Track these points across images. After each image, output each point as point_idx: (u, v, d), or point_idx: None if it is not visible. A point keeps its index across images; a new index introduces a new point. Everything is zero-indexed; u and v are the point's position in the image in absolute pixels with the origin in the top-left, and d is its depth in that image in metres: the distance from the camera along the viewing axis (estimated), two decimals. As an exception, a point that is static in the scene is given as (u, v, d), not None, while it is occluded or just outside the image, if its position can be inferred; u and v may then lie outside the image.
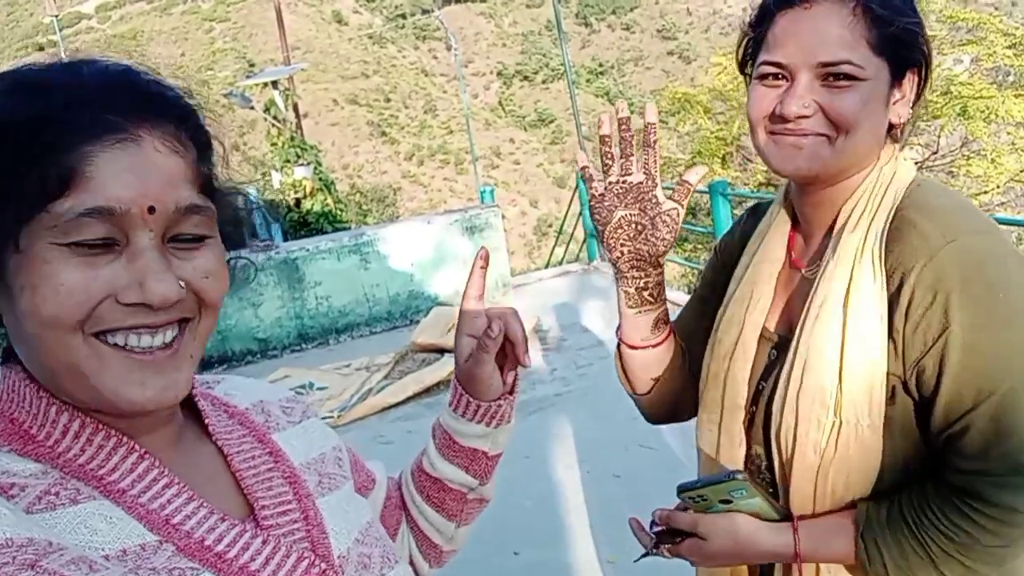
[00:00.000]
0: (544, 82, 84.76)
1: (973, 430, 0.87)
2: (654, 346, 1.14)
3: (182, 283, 0.59)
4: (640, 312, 1.10)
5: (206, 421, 0.71)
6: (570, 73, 9.18)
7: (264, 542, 0.64)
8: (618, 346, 1.18)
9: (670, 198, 1.03)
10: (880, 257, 0.92)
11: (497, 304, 6.03)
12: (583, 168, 1.08)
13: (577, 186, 8.42)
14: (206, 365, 6.27)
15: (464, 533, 0.99)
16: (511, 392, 0.90)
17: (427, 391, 5.13)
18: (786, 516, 0.99)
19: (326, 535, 0.70)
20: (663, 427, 4.16)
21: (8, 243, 0.55)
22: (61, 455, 0.59)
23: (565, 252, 9.43)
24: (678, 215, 1.02)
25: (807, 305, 0.97)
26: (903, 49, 0.94)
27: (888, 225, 0.94)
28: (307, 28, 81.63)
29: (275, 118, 11.63)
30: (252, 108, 12.15)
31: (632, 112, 1.04)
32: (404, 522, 0.97)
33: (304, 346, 6.63)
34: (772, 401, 0.99)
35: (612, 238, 1.05)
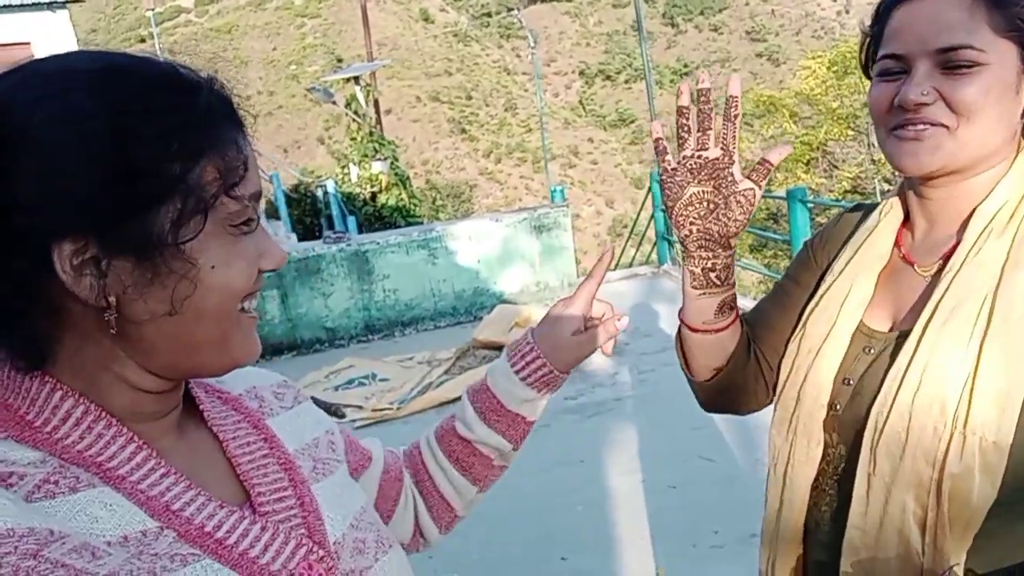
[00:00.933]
0: (627, 82, 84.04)
1: None
2: (717, 331, 1.08)
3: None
4: (705, 294, 1.05)
5: (201, 408, 0.72)
6: (650, 73, 9.03)
7: (263, 528, 0.65)
8: (679, 329, 1.13)
9: (748, 177, 0.98)
10: None
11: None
12: (656, 140, 1.03)
13: (650, 187, 8.27)
14: (276, 351, 6.44)
15: (479, 500, 1.02)
16: (566, 371, 0.97)
17: (486, 388, 5.13)
18: None
19: (321, 521, 0.70)
20: (725, 438, 4.05)
21: (188, 226, 0.60)
22: (59, 442, 0.59)
23: (635, 253, 9.29)
24: (754, 196, 0.97)
25: (932, 305, 0.90)
26: None
27: None
28: (394, 25, 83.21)
29: (356, 113, 11.87)
30: (334, 103, 12.43)
31: (717, 113, 1.01)
32: (406, 493, 0.97)
33: (370, 337, 6.73)
34: (873, 402, 0.92)
35: (682, 215, 1.01)
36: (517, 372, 0.95)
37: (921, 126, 0.90)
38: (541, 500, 3.57)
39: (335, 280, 6.68)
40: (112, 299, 0.58)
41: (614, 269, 9.13)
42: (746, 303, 4.75)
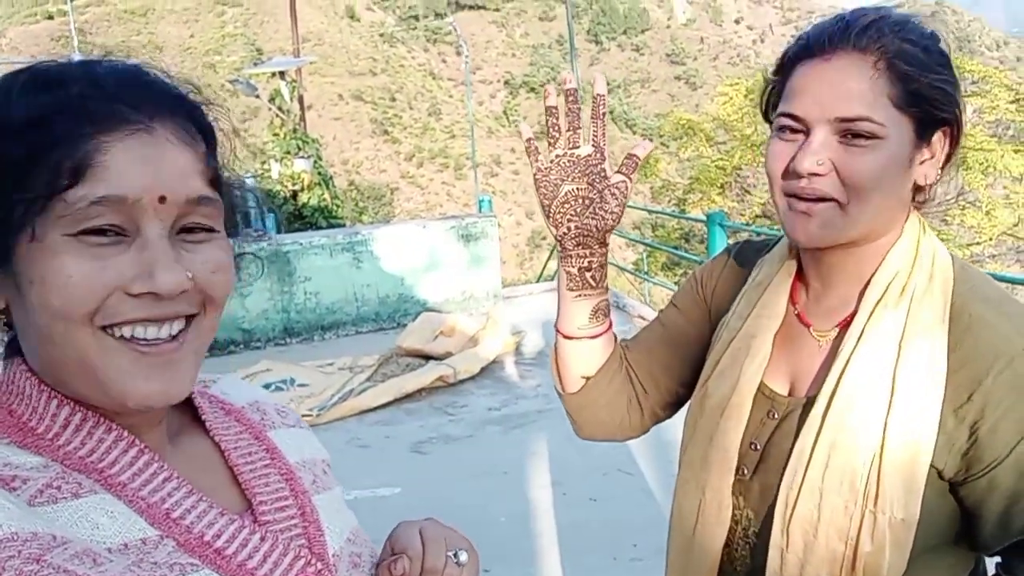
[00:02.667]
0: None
1: None
2: (591, 337, 1.09)
3: (190, 274, 0.59)
4: (580, 297, 1.06)
5: (203, 417, 0.71)
6: (579, 88, 9.17)
7: (262, 539, 0.64)
8: (555, 341, 1.12)
9: (617, 171, 1.00)
10: (944, 349, 0.87)
11: (487, 311, 5.92)
12: (527, 141, 1.04)
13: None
14: (188, 351, 6.21)
15: None
16: None
17: (408, 397, 5.09)
18: None
19: (322, 532, 0.70)
20: (645, 452, 4.16)
21: (20, 234, 0.56)
22: (61, 448, 0.59)
23: (558, 266, 9.41)
24: (626, 187, 0.99)
25: (835, 376, 0.91)
26: (930, 106, 0.88)
27: (948, 315, 0.89)
28: (319, 20, 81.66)
29: (279, 108, 11.59)
30: (257, 96, 12.11)
31: (636, 133, 1.02)
32: None
33: (288, 340, 6.57)
34: (783, 473, 0.93)
35: (559, 213, 1.02)
36: None
37: (813, 200, 0.89)
38: (464, 512, 3.57)
39: (253, 280, 6.49)
40: (1, 303, 0.58)
41: (537, 282, 9.22)
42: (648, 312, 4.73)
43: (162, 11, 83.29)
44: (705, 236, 6.02)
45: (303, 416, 4.80)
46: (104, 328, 0.57)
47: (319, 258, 6.62)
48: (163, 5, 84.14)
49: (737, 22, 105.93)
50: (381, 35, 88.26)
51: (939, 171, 0.93)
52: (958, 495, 0.89)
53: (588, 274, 1.05)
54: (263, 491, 0.69)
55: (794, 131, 0.90)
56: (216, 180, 0.64)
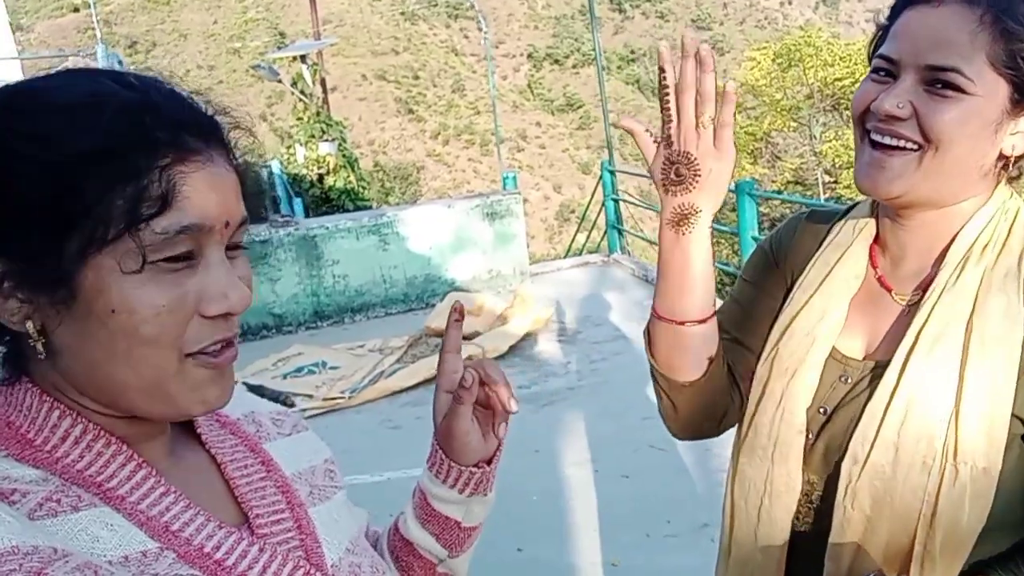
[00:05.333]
0: (574, 67, 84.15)
1: None
2: (711, 318, 0.99)
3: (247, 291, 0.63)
4: (708, 267, 0.95)
5: (199, 430, 0.71)
6: (600, 59, 9.04)
7: (260, 550, 0.65)
8: (651, 335, 1.01)
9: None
10: (1019, 294, 0.87)
11: (514, 289, 5.95)
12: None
13: (601, 175, 8.32)
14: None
15: None
16: (489, 461, 0.85)
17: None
18: None
19: (319, 544, 0.70)
20: (675, 428, 4.11)
21: (84, 262, 0.56)
22: (60, 460, 0.60)
23: (586, 241, 9.34)
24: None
25: (913, 334, 0.90)
26: None
27: (1022, 258, 0.89)
28: (339, 2, 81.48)
29: (302, 92, 11.61)
30: (280, 81, 12.14)
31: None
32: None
33: (319, 324, 6.63)
34: (852, 434, 0.92)
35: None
36: (431, 469, 0.85)
37: (890, 139, 0.88)
38: (497, 490, 3.59)
39: (283, 265, 6.55)
40: (37, 325, 0.58)
41: (564, 257, 9.17)
42: None
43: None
44: (735, 205, 5.91)
45: (334, 400, 4.85)
46: (188, 355, 0.60)
47: (346, 241, 6.65)
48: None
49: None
50: (402, 13, 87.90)
51: None
52: None
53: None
54: (259, 504, 0.69)
55: (887, 73, 0.90)
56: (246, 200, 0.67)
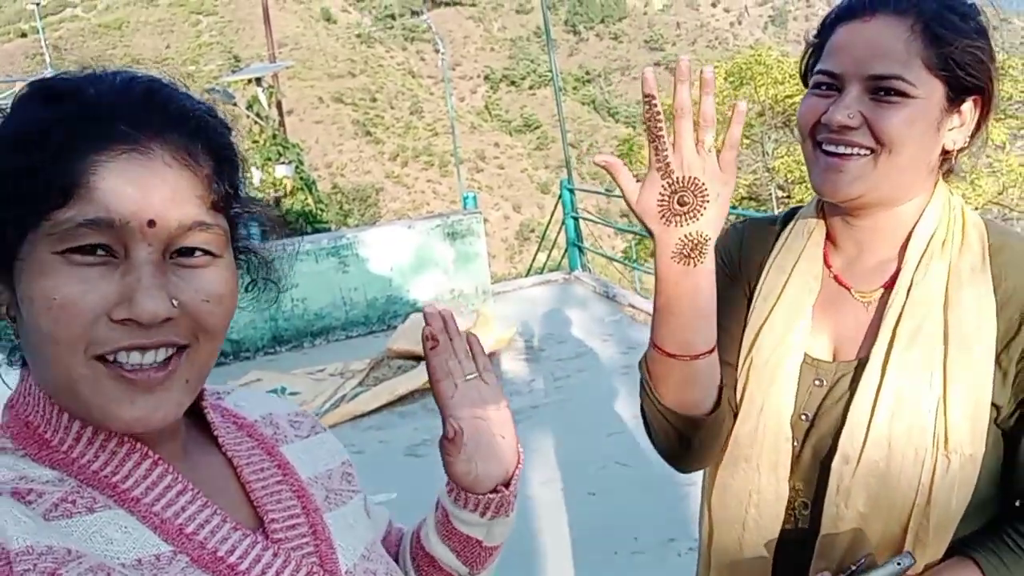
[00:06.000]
0: (531, 88, 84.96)
1: None
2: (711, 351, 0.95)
3: (175, 302, 0.57)
4: (714, 294, 0.92)
5: (215, 432, 0.71)
6: (557, 80, 9.13)
7: (275, 555, 0.64)
8: (651, 375, 0.96)
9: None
10: (990, 287, 0.91)
11: (477, 308, 5.92)
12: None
13: (560, 194, 8.37)
14: (177, 365, 6.14)
15: None
16: (508, 484, 0.83)
17: (401, 400, 5.04)
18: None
19: (334, 550, 0.70)
20: (641, 443, 4.12)
21: (18, 249, 0.56)
22: (75, 461, 0.59)
23: (547, 259, 9.38)
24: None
25: (888, 331, 0.93)
26: (962, 72, 0.90)
27: (987, 255, 0.93)
28: (295, 25, 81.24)
29: (257, 115, 11.51)
30: (235, 105, 12.03)
31: (618, 122, 0.95)
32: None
33: (278, 349, 6.51)
34: (838, 436, 0.94)
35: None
36: (450, 494, 0.83)
37: (844, 148, 0.91)
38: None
39: (239, 290, 6.43)
40: (11, 312, 0.58)
41: (526, 275, 9.18)
42: (644, 303, 4.69)
43: (136, 23, 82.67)
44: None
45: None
46: (96, 357, 0.56)
47: (304, 264, 6.56)
48: (137, 17, 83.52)
49: (714, 5, 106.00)
50: (358, 36, 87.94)
51: (967, 139, 0.95)
52: (1006, 435, 0.92)
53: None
54: (275, 508, 0.69)
55: (829, 87, 0.94)
56: (224, 203, 0.62)
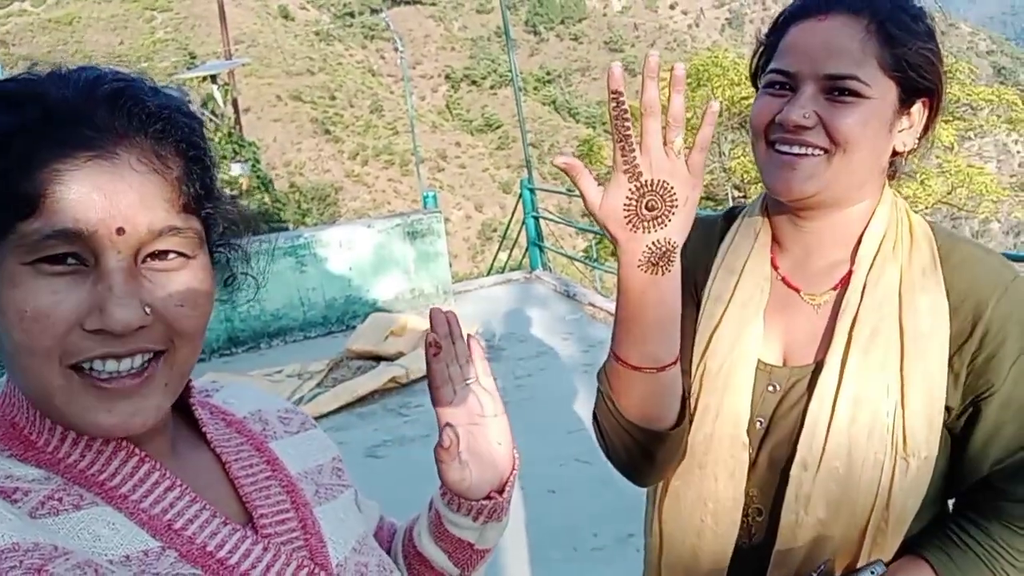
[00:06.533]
0: (492, 87, 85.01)
1: None
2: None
3: (148, 309, 0.56)
4: (678, 304, 0.88)
5: (203, 429, 0.70)
6: (517, 80, 9.13)
7: (264, 549, 0.64)
8: (611, 389, 0.94)
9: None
10: (942, 291, 0.91)
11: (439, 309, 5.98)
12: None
13: (521, 193, 8.39)
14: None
15: None
16: (501, 491, 0.82)
17: (361, 400, 5.00)
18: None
19: (324, 544, 0.70)
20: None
21: None
22: (61, 461, 0.59)
23: (508, 258, 9.38)
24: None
25: (843, 335, 0.92)
26: (914, 73, 0.90)
27: (938, 259, 0.93)
28: (251, 21, 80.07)
29: (213, 112, 11.32)
30: (189, 103, 11.85)
31: (579, 122, 0.94)
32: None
33: (234, 350, 6.40)
34: (796, 441, 0.92)
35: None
36: (444, 497, 0.83)
37: (799, 148, 0.90)
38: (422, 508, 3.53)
39: (217, 286, 6.32)
40: None
41: (487, 275, 9.17)
42: (605, 303, 4.72)
43: (88, 19, 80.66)
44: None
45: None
46: (71, 367, 0.56)
47: (260, 263, 6.46)
48: (89, 13, 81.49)
49: (672, 7, 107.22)
50: (317, 33, 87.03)
51: (916, 140, 0.96)
52: (953, 436, 0.94)
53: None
54: (264, 503, 0.69)
55: (782, 87, 0.92)
56: (196, 203, 0.61)
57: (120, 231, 0.55)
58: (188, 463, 0.67)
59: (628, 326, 0.86)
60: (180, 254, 0.59)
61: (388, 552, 0.89)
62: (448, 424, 0.79)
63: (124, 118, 0.57)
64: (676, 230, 0.80)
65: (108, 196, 0.54)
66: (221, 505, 0.66)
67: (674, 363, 0.89)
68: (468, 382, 0.82)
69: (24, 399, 0.60)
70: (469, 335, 0.85)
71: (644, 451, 0.95)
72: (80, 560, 0.52)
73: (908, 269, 0.93)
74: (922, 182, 11.78)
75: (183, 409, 0.71)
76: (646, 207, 0.78)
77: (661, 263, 0.80)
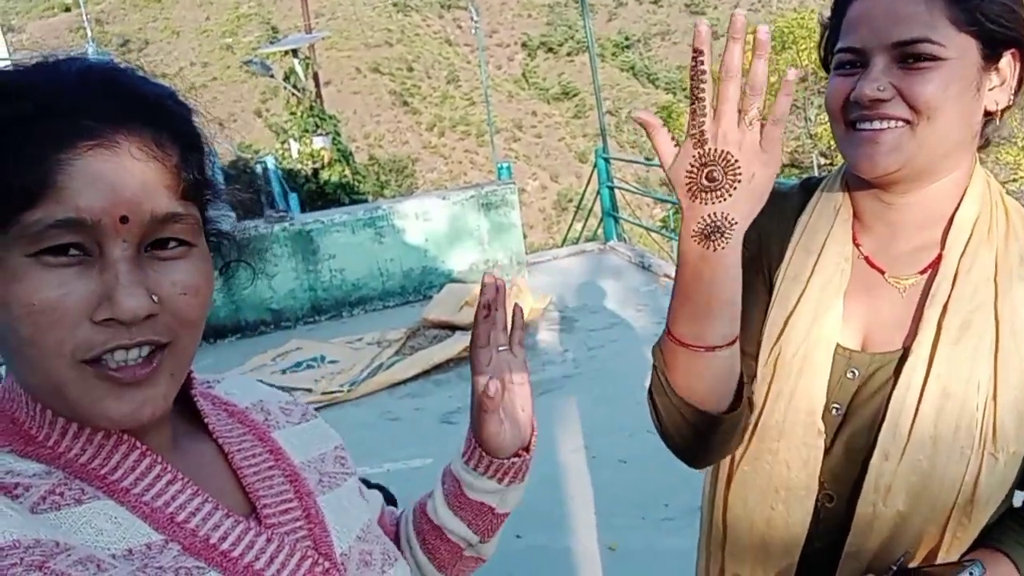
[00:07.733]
0: (569, 55, 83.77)
1: None
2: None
3: (155, 297, 0.56)
4: (737, 285, 0.85)
5: (206, 420, 0.70)
6: (593, 47, 9.01)
7: (268, 540, 0.64)
8: (664, 360, 0.91)
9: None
10: None
11: (512, 279, 5.94)
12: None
13: (596, 163, 8.32)
14: (219, 334, 6.32)
15: None
16: (527, 449, 0.86)
17: (437, 368, 5.13)
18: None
19: (327, 533, 0.70)
20: (672, 413, 4.13)
21: None
22: (62, 455, 0.59)
23: (583, 229, 9.35)
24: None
25: (933, 323, 0.87)
26: (993, 24, 0.83)
27: None
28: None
29: (295, 87, 11.60)
30: (272, 77, 12.13)
31: (658, 88, 0.92)
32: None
33: (317, 318, 6.65)
34: (878, 431, 0.88)
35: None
36: (468, 462, 0.85)
37: (879, 122, 0.85)
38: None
39: (279, 260, 6.56)
40: None
41: (562, 246, 9.18)
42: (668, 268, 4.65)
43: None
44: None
45: (332, 394, 4.88)
46: (82, 362, 0.55)
47: (341, 235, 6.66)
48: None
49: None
50: (394, 4, 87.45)
51: (1012, 96, 0.88)
52: None
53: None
54: (267, 493, 0.69)
55: (853, 65, 0.87)
56: (194, 190, 0.61)
57: (124, 220, 0.55)
58: (190, 455, 0.67)
59: (682, 300, 0.83)
60: (181, 242, 0.59)
61: (394, 539, 0.91)
62: (491, 377, 0.83)
63: (120, 106, 0.56)
64: (736, 207, 0.75)
65: (110, 185, 0.54)
66: (224, 496, 0.65)
67: (727, 345, 0.85)
68: (501, 349, 0.86)
69: (24, 394, 0.59)
70: (516, 305, 0.88)
71: (696, 433, 0.92)
72: (82, 555, 0.52)
73: (1004, 256, 0.88)
74: (1023, 148, 11.08)
75: (185, 401, 0.70)
76: (706, 177, 0.75)
77: (714, 237, 0.77)
